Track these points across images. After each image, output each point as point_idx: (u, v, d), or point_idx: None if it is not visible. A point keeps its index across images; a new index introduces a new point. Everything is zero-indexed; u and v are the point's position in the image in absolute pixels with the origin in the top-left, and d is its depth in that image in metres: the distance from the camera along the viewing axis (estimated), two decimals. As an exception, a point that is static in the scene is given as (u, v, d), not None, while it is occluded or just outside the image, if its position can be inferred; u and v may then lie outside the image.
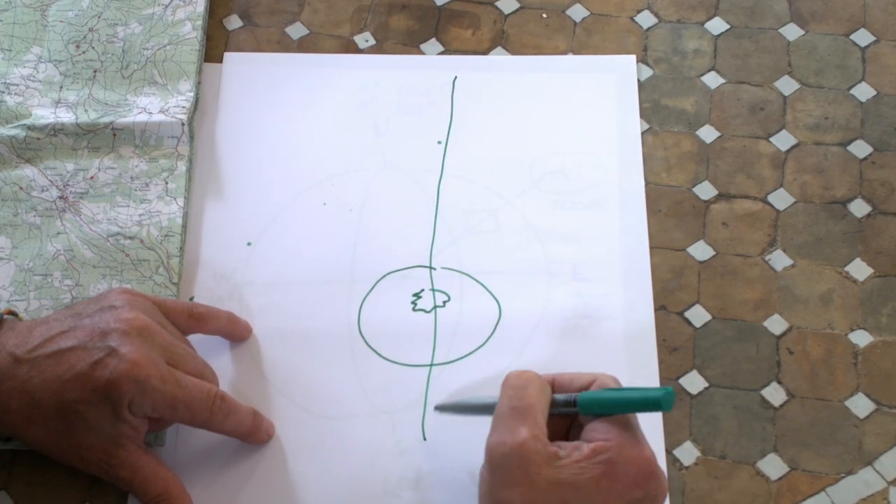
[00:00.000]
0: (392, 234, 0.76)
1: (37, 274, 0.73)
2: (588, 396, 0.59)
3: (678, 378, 0.70)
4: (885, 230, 0.76)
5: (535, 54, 0.84)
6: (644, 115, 0.81)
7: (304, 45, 0.85)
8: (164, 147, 0.78)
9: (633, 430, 0.58)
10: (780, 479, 0.67)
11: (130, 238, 0.74)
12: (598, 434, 0.58)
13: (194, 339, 0.69)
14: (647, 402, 0.57)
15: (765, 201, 0.77)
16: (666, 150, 0.79)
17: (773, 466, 0.67)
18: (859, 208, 0.77)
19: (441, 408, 0.67)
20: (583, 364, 0.69)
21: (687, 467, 0.67)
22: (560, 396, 0.60)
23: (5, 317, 0.66)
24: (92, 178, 0.76)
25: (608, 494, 0.56)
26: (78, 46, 0.82)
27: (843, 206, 0.77)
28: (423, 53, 0.84)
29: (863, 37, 0.84)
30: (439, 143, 0.80)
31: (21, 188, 0.76)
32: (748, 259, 0.75)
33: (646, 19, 0.85)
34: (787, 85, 0.82)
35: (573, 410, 0.59)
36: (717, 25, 0.85)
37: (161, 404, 0.62)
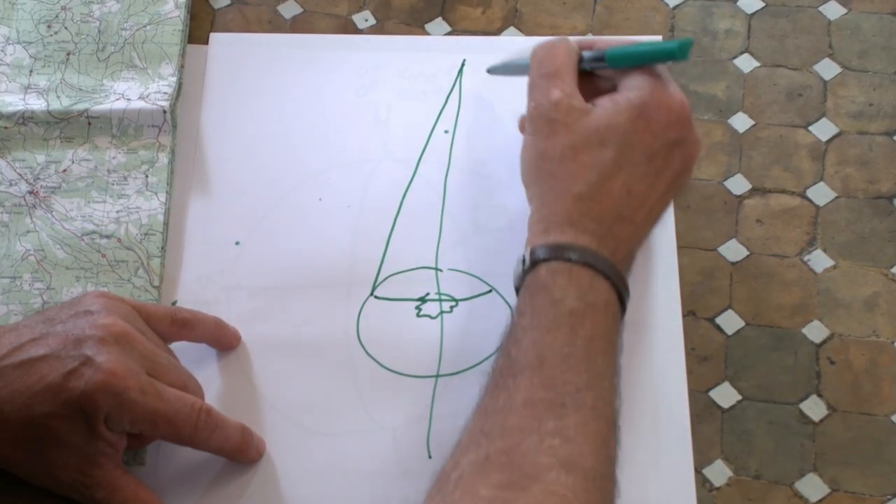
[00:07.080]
0: (394, 233, 0.76)
1: (4, 276, 0.73)
2: (615, 50, 0.67)
3: (708, 390, 0.70)
4: (935, 228, 0.76)
5: (552, 35, 0.84)
6: (670, 101, 0.81)
7: (297, 25, 0.85)
8: (144, 137, 0.77)
9: (665, 80, 0.66)
10: (821, 500, 0.67)
11: (107, 237, 0.74)
12: (632, 84, 0.66)
13: (178, 347, 0.69)
14: (666, 51, 0.66)
15: (803, 196, 0.77)
16: (694, 140, 0.79)
17: (812, 487, 0.67)
18: (907, 204, 0.77)
19: (493, 70, 0.77)
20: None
21: (718, 488, 0.67)
22: (588, 53, 0.69)
23: (-30, 323, 0.66)
24: (65, 171, 0.76)
25: (644, 134, 0.65)
26: (49, 26, 0.82)
27: (889, 201, 0.77)
28: (428, 34, 0.84)
29: (911, 15, 0.84)
30: (446, 132, 0.80)
31: (-12, 182, 0.76)
32: (785, 260, 0.75)
33: (672, -4, 0.85)
34: (827, 69, 0.82)
35: (601, 65, 0.68)
36: (750, 3, 0.85)
37: (141, 419, 0.62)
